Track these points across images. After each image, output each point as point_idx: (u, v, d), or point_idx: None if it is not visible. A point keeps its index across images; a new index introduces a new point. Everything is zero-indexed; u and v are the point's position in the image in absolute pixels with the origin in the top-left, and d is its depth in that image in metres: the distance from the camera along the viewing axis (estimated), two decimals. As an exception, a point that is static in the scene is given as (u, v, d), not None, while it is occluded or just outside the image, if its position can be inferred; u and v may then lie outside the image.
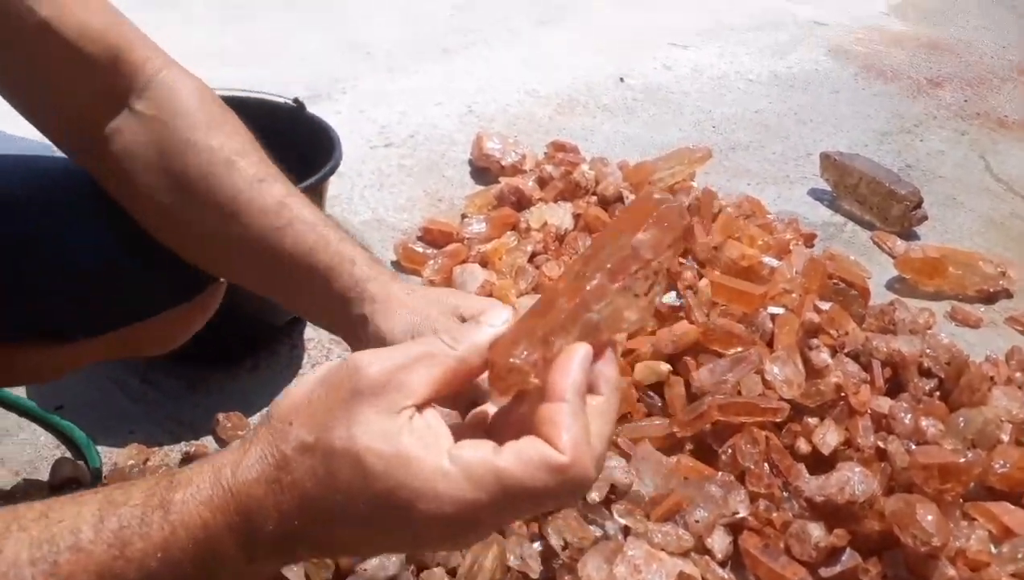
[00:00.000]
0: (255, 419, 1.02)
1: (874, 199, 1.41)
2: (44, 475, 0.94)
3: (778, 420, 0.96)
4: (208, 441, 1.00)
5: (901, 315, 1.13)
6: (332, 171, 1.04)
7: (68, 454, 0.98)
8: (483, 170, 1.55)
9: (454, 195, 1.50)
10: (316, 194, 1.06)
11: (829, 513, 0.87)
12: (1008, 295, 1.28)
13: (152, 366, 1.08)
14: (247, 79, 1.67)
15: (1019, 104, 1.83)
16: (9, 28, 0.60)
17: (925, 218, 1.40)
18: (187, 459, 0.98)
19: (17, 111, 0.66)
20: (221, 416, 1.00)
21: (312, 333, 1.15)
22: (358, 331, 0.58)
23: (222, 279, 0.80)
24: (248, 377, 1.09)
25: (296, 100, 1.13)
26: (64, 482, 0.90)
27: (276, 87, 1.34)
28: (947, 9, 2.30)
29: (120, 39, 0.64)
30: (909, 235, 1.40)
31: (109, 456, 0.98)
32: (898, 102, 1.84)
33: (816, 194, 1.51)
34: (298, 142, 1.12)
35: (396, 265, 1.28)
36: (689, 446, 0.97)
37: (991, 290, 1.26)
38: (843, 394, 0.98)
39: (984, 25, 2.20)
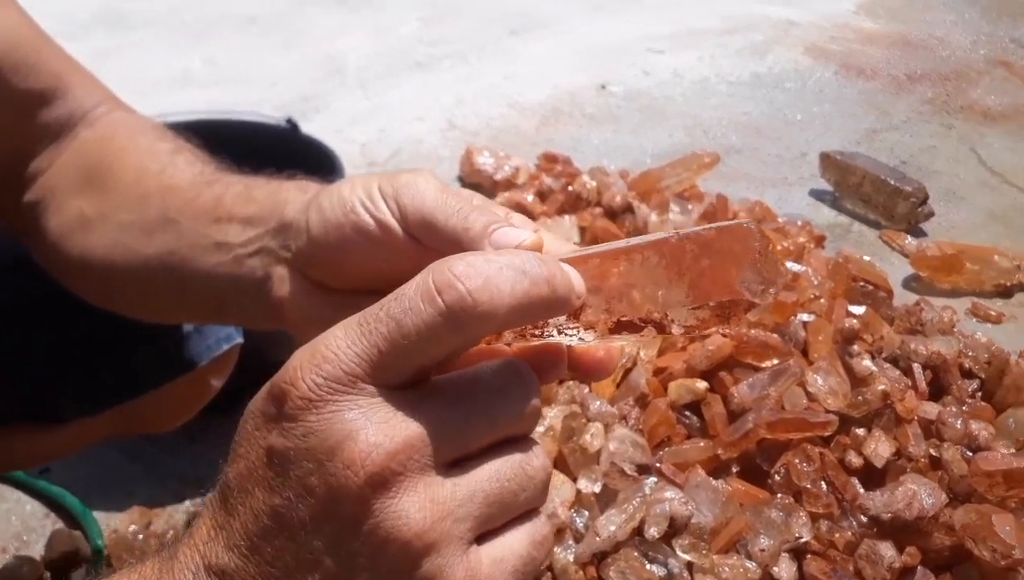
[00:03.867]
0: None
1: (879, 197, 1.39)
2: (37, 550, 0.85)
3: (827, 434, 0.91)
4: (216, 496, 0.92)
5: (928, 315, 1.09)
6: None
7: (61, 523, 0.88)
8: (474, 186, 1.48)
9: (447, 214, 1.43)
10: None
11: (896, 530, 0.82)
12: (1023, 289, 1.26)
13: (146, 417, 0.99)
14: (214, 102, 1.60)
15: (1000, 95, 1.84)
16: None
17: (932, 214, 1.38)
18: (193, 520, 0.90)
19: None
20: (229, 468, 0.92)
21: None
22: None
23: (229, 346, 0.73)
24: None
25: (290, 120, 1.06)
26: (62, 557, 0.81)
27: (245, 109, 1.26)
28: (914, 6, 2.32)
29: (63, 76, 0.56)
30: (916, 232, 1.38)
31: (108, 522, 0.89)
32: (882, 99, 1.83)
33: (817, 195, 1.48)
34: (294, 164, 1.05)
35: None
36: (735, 467, 0.92)
37: (1008, 284, 1.24)
38: (889, 401, 0.94)
39: (952, 20, 2.22)
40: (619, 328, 0.32)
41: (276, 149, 1.09)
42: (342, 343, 0.28)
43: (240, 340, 0.75)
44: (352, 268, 0.40)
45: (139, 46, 2.00)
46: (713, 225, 0.32)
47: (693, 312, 0.31)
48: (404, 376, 0.29)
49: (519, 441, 0.31)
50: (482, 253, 0.30)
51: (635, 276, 0.31)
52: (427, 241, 0.38)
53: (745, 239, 0.30)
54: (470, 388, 0.30)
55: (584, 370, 0.35)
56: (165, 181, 0.51)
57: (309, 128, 1.63)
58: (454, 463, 0.29)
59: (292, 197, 0.44)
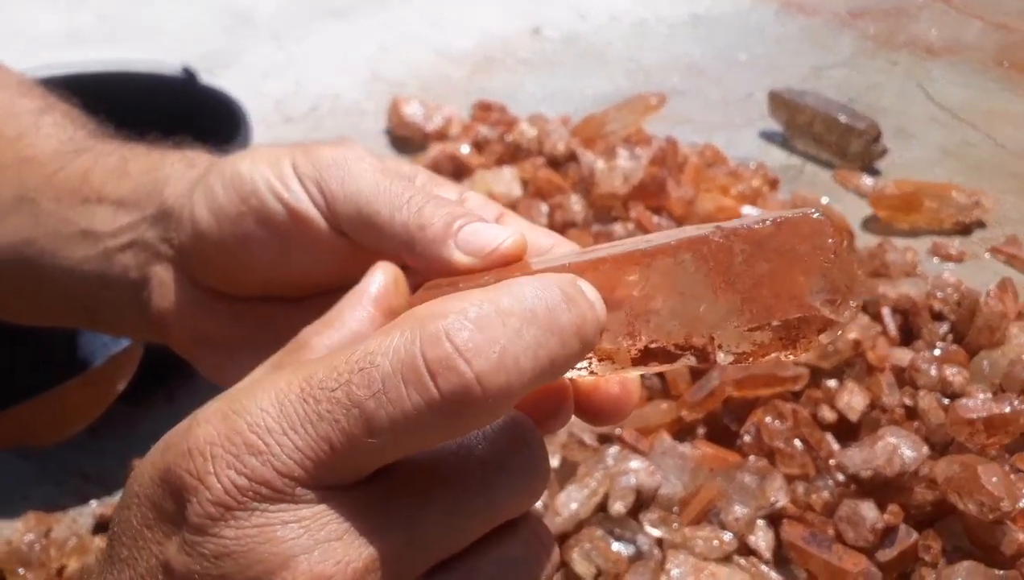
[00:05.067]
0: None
1: (830, 136, 1.33)
2: (-92, 573, 0.73)
3: (797, 388, 0.85)
4: (124, 497, 0.81)
5: (892, 256, 1.04)
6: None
7: (-61, 540, 0.76)
8: (403, 140, 1.38)
9: (375, 171, 1.32)
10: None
11: (876, 488, 0.76)
12: (981, 225, 1.21)
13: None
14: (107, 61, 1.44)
15: (941, 29, 1.80)
16: None
17: (885, 152, 1.32)
18: (101, 524, 0.79)
19: None
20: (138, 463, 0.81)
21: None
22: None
23: (129, 342, 0.63)
24: (163, 410, 0.89)
25: (186, 69, 0.93)
26: (-63, 581, 0.70)
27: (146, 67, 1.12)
28: (848, -59, 2.25)
29: None
30: (870, 171, 1.32)
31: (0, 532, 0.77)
32: (825, 36, 1.77)
33: (767, 136, 1.42)
34: (193, 119, 0.93)
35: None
36: (701, 430, 0.85)
37: (967, 222, 1.19)
38: (860, 350, 0.88)
39: (888, -45, 2.16)
40: (646, 358, 0.24)
41: (173, 104, 0.96)
42: (275, 426, 0.19)
43: None
44: (255, 271, 0.31)
45: (21, 1, 1.81)
46: (768, 216, 0.24)
47: (749, 334, 0.24)
48: (361, 475, 0.20)
49: (518, 525, 0.22)
50: (485, 294, 0.21)
51: (665, 287, 0.24)
52: (363, 240, 0.29)
53: (814, 235, 0.23)
54: (457, 470, 0.21)
55: (595, 412, 0.27)
56: (23, 150, 0.40)
57: (218, 84, 1.49)
58: (431, 573, 0.20)
59: (175, 174, 0.34)
